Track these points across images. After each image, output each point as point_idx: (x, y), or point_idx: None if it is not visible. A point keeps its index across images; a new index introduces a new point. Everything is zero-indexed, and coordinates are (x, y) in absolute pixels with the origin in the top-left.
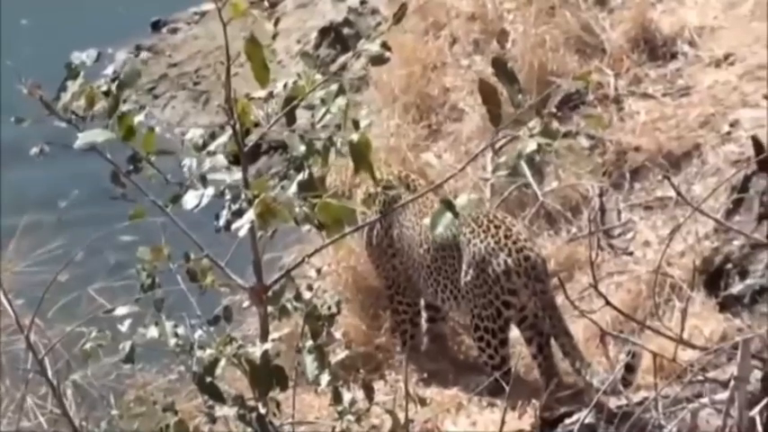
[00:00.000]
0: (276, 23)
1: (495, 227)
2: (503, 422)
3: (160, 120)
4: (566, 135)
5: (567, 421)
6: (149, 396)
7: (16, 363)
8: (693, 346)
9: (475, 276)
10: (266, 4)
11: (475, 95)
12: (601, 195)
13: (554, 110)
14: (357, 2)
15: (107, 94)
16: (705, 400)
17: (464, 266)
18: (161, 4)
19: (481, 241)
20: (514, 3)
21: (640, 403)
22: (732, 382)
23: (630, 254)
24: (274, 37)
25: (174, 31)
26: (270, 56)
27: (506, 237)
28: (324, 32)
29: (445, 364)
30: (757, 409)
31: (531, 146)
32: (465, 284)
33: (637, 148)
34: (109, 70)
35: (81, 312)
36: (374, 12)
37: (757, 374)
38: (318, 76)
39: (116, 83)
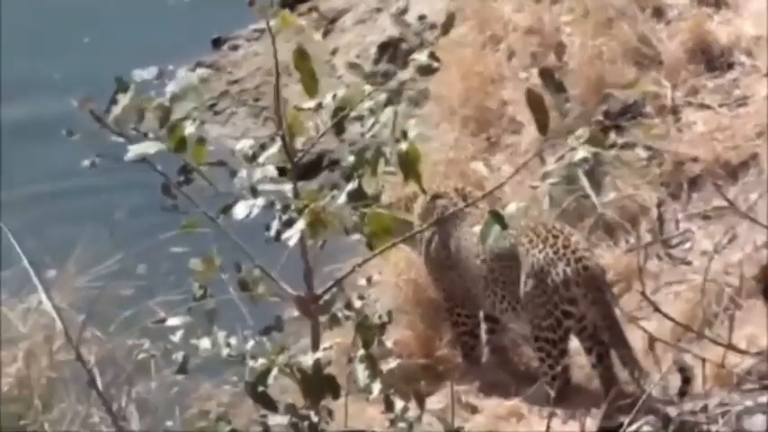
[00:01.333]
0: (325, 36)
1: (554, 237)
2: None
3: (222, 134)
4: (623, 146)
5: (628, 430)
6: (211, 409)
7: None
8: (743, 352)
9: (534, 286)
10: (314, 17)
11: None
12: (659, 206)
13: (601, 118)
14: (416, 17)
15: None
16: (750, 403)
17: (523, 277)
18: (221, 21)
19: (540, 251)
20: (571, 16)
21: (695, 412)
22: None
23: (689, 263)
24: (334, 52)
25: (235, 47)
26: (329, 70)
27: (565, 247)
28: (383, 47)
29: (506, 376)
30: None
31: (579, 154)
32: (524, 295)
33: (694, 159)
34: (170, 87)
35: (144, 326)
36: (432, 27)
37: None
38: (368, 87)
39: (169, 95)
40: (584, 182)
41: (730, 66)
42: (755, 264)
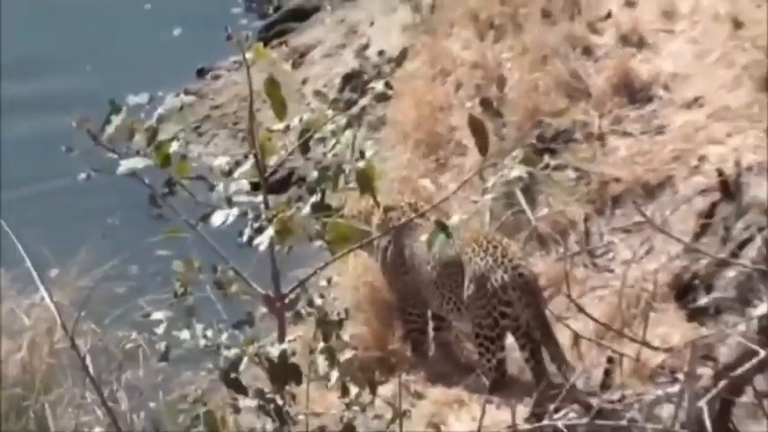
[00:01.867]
0: (295, 68)
1: (494, 247)
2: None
3: (204, 152)
4: (555, 167)
5: (554, 416)
6: (189, 393)
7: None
8: (656, 349)
9: (476, 290)
10: (287, 51)
11: None
12: (585, 220)
13: (536, 142)
14: (375, 52)
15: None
16: (660, 393)
17: (466, 281)
18: (205, 53)
19: (481, 259)
20: (511, 53)
21: (613, 401)
22: (682, 378)
23: (611, 271)
24: (303, 82)
25: (217, 77)
26: (299, 97)
27: (503, 256)
28: (346, 78)
29: (449, 367)
30: (705, 400)
31: (515, 173)
32: (467, 297)
33: (617, 180)
34: (159, 110)
35: (134, 320)
36: (390, 60)
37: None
38: (330, 112)
39: (156, 117)
40: (521, 198)
41: (650, 99)
42: (669, 272)
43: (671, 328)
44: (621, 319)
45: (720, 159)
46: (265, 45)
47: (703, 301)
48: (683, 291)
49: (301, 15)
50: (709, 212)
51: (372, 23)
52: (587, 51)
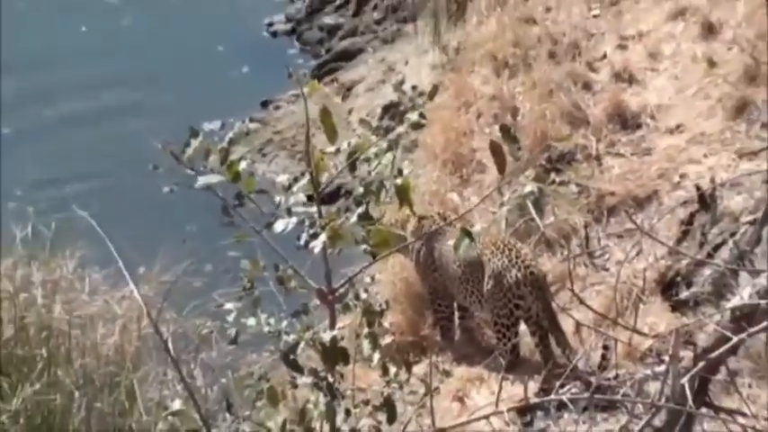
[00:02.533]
0: (343, 100)
1: (509, 249)
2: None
3: (267, 170)
4: (560, 183)
5: (560, 391)
6: (255, 371)
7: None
8: (644, 335)
9: (494, 285)
10: (336, 85)
11: None
12: (586, 227)
13: (544, 163)
14: (410, 87)
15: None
16: (649, 372)
17: (486, 278)
18: (268, 88)
19: (499, 260)
20: (523, 87)
21: (609, 379)
22: (667, 359)
23: (607, 270)
24: (350, 112)
25: (278, 107)
26: (346, 125)
27: (517, 257)
28: (386, 109)
29: (472, 350)
30: (686, 378)
31: (528, 188)
32: (487, 291)
33: (612, 193)
34: (229, 135)
35: (209, 310)
36: (422, 94)
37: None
38: (373, 138)
39: (227, 140)
40: (532, 209)
41: (639, 126)
42: (655, 270)
43: (657, 317)
44: (616, 310)
45: (698, 176)
46: (318, 81)
47: (684, 294)
48: (667, 286)
49: (348, 56)
50: (689, 221)
51: (407, 63)
52: (586, 86)
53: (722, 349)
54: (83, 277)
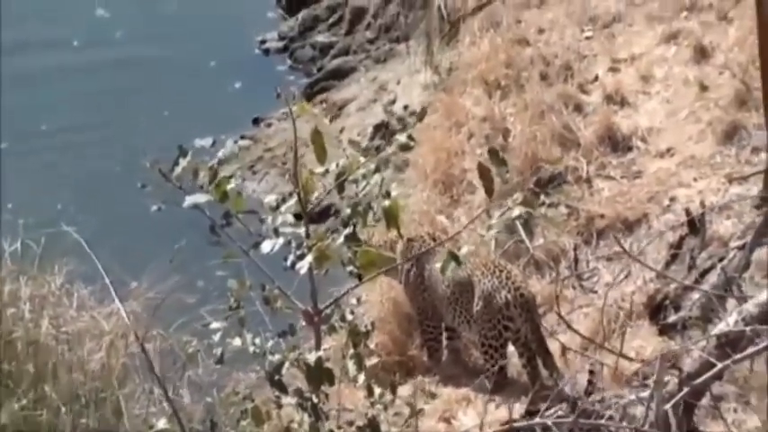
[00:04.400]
0: (331, 121)
1: (499, 271)
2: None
3: (257, 189)
4: (550, 205)
5: (546, 413)
6: (240, 391)
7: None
8: (630, 359)
9: (483, 306)
10: (326, 105)
11: None
12: (575, 249)
13: (533, 185)
14: (401, 107)
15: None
16: (633, 396)
17: (476, 299)
18: (260, 105)
19: (489, 281)
20: (514, 109)
21: (594, 402)
22: (652, 384)
23: (595, 292)
24: (341, 131)
25: (269, 125)
26: (337, 144)
27: (507, 278)
28: (376, 128)
29: (459, 371)
30: (670, 403)
31: (515, 212)
32: (476, 312)
33: (602, 216)
34: (221, 152)
35: (195, 328)
36: (413, 113)
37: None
38: (362, 159)
39: (217, 160)
40: (521, 230)
41: (629, 148)
42: (644, 293)
43: (644, 341)
44: (603, 333)
45: (688, 200)
46: (309, 99)
47: (672, 318)
48: (655, 309)
49: (340, 75)
50: (678, 244)
51: (399, 82)
52: (578, 108)
53: (707, 375)
54: (70, 293)
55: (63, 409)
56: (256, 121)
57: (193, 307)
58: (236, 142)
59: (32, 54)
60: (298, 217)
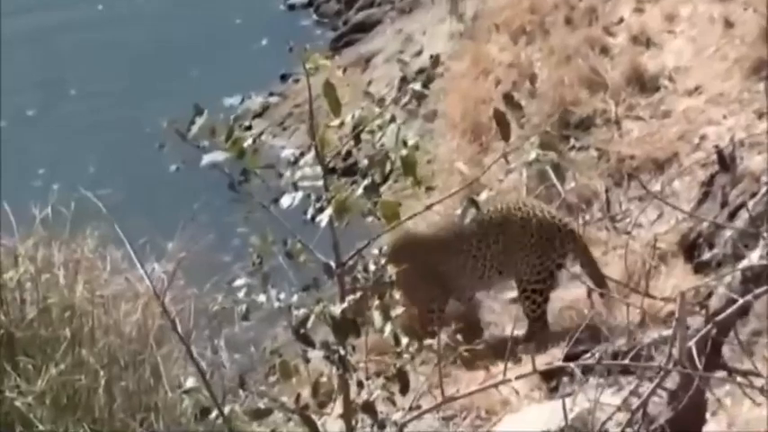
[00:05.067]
0: (363, 71)
1: (540, 210)
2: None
3: (287, 144)
4: (579, 148)
5: (585, 356)
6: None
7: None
8: (654, 298)
9: (532, 247)
10: (354, 58)
11: None
12: (606, 191)
13: (556, 128)
14: (428, 56)
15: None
16: (656, 334)
17: (518, 241)
18: (287, 62)
19: (537, 221)
20: (540, 54)
21: (629, 342)
22: (674, 321)
23: (629, 233)
24: (369, 83)
25: (297, 81)
26: (365, 96)
27: (552, 217)
28: (403, 80)
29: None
30: (694, 340)
31: (531, 155)
32: (521, 256)
33: (632, 157)
34: (239, 110)
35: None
36: (441, 63)
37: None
38: (377, 109)
39: (232, 117)
40: (552, 175)
41: (657, 89)
42: (677, 233)
43: (680, 280)
44: (627, 275)
45: (718, 137)
46: (337, 52)
47: (706, 256)
48: (689, 248)
49: (366, 27)
50: (709, 182)
51: (424, 32)
52: (604, 51)
53: (729, 311)
54: (104, 256)
55: (101, 373)
56: (284, 78)
57: (228, 265)
58: (265, 99)
59: (58, 17)
60: (332, 171)
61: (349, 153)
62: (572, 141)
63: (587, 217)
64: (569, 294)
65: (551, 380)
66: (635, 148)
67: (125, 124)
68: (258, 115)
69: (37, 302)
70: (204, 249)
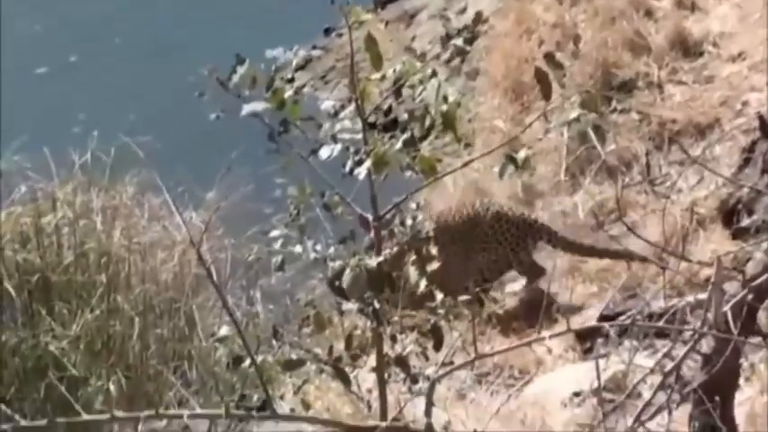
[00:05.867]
0: (407, 27)
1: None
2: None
3: (329, 97)
4: (621, 111)
5: (620, 318)
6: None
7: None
8: (690, 261)
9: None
10: (399, 13)
11: None
12: (647, 155)
13: (590, 90)
14: (473, 14)
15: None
16: (691, 298)
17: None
18: (331, 14)
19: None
20: (585, 15)
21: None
22: (710, 285)
23: (668, 197)
24: (413, 39)
25: (340, 35)
26: (407, 52)
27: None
28: (447, 36)
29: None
30: (728, 306)
31: (572, 114)
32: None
33: (673, 121)
34: (280, 61)
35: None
36: (485, 21)
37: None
38: (418, 64)
39: (273, 68)
40: (593, 136)
41: (701, 53)
42: (716, 198)
43: (717, 245)
44: (674, 238)
45: (760, 104)
46: (383, 8)
47: (745, 222)
48: (728, 214)
49: None
50: (751, 148)
51: None
52: (648, 13)
53: (765, 277)
54: (142, 204)
55: (136, 320)
56: (328, 32)
57: (266, 216)
58: (308, 52)
59: None
60: (371, 125)
61: (389, 108)
62: (614, 104)
63: (626, 180)
64: None
65: (585, 341)
66: (677, 112)
67: (166, 73)
68: (301, 68)
69: (74, 247)
70: (242, 199)
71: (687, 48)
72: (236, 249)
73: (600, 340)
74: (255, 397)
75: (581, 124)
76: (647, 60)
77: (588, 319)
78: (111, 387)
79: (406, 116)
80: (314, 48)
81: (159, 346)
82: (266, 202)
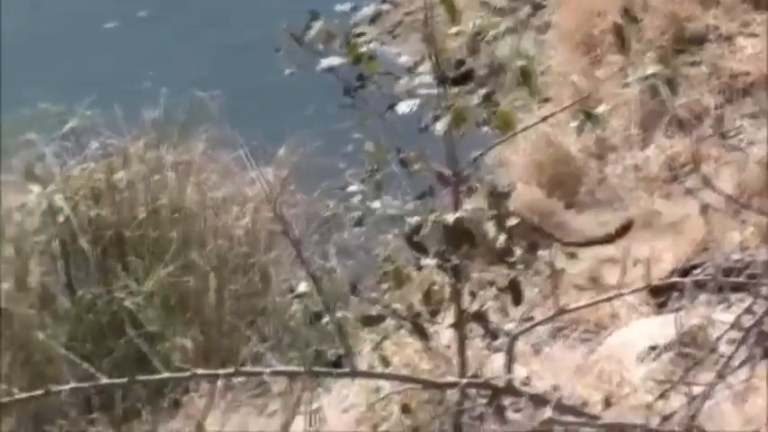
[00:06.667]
0: None
1: None
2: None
3: (397, 52)
4: (692, 64)
5: (696, 272)
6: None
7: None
8: (765, 214)
9: None
10: None
11: None
12: (718, 108)
13: (663, 45)
14: None
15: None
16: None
17: None
18: None
19: None
20: None
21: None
22: None
23: (741, 150)
24: None
25: None
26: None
27: None
28: None
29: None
30: None
31: (650, 70)
32: None
33: (745, 73)
34: (357, 16)
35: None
36: None
37: None
38: (496, 19)
39: (352, 23)
40: (662, 90)
41: None
42: None
43: None
44: (749, 191)
45: None
46: None
47: None
48: None
49: None
50: None
51: None
52: None
53: None
54: (213, 159)
55: (210, 275)
56: None
57: (339, 171)
58: (377, 6)
59: None
60: (450, 81)
61: (461, 62)
62: (684, 57)
63: (698, 133)
64: (680, 210)
65: (659, 295)
66: (748, 64)
67: (239, 28)
68: (371, 22)
69: (147, 203)
70: (315, 155)
71: (758, 0)
72: (308, 204)
73: (674, 294)
74: (330, 351)
75: (655, 78)
76: (717, 13)
77: (662, 272)
78: (188, 343)
79: (482, 72)
80: (383, 1)
81: (234, 301)
82: (339, 156)
